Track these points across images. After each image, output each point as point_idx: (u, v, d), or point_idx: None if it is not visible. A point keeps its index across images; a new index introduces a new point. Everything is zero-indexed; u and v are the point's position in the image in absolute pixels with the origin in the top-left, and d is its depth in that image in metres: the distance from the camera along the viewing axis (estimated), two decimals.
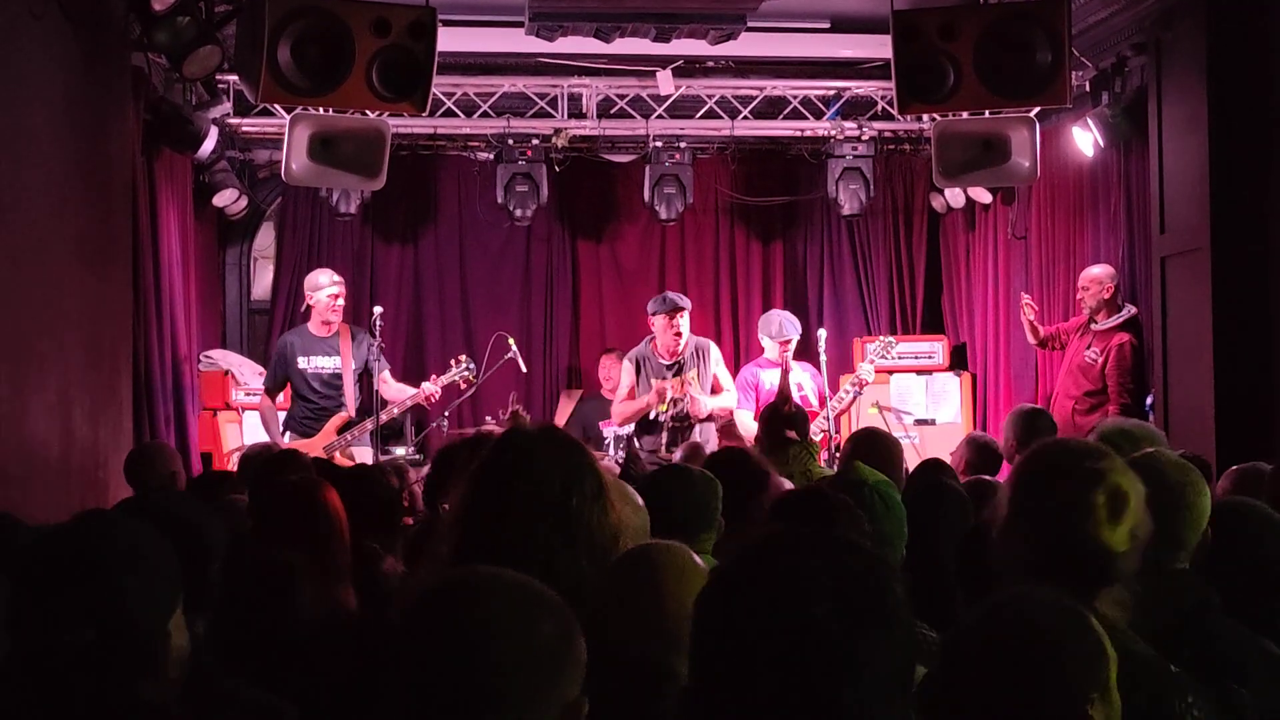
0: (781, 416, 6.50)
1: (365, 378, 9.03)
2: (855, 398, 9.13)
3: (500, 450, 3.00)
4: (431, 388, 8.80)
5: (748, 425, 9.20)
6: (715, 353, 9.28)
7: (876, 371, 10.22)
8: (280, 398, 9.09)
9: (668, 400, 8.81)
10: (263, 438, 8.81)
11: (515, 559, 2.79)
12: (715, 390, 9.14)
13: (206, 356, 10.24)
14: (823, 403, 9.35)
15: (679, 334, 8.98)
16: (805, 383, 9.36)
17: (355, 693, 3.03)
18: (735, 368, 11.63)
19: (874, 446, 5.48)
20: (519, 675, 1.94)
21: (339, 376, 8.86)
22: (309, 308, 9.20)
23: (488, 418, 9.68)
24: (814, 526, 2.40)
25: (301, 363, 8.97)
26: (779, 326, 9.44)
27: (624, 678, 2.45)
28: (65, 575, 2.44)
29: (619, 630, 2.52)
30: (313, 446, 8.23)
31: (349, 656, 3.22)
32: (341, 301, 9.11)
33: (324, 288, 9.10)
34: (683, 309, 9.03)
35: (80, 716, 2.36)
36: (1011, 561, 2.82)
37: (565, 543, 2.82)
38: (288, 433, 8.82)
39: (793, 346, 9.32)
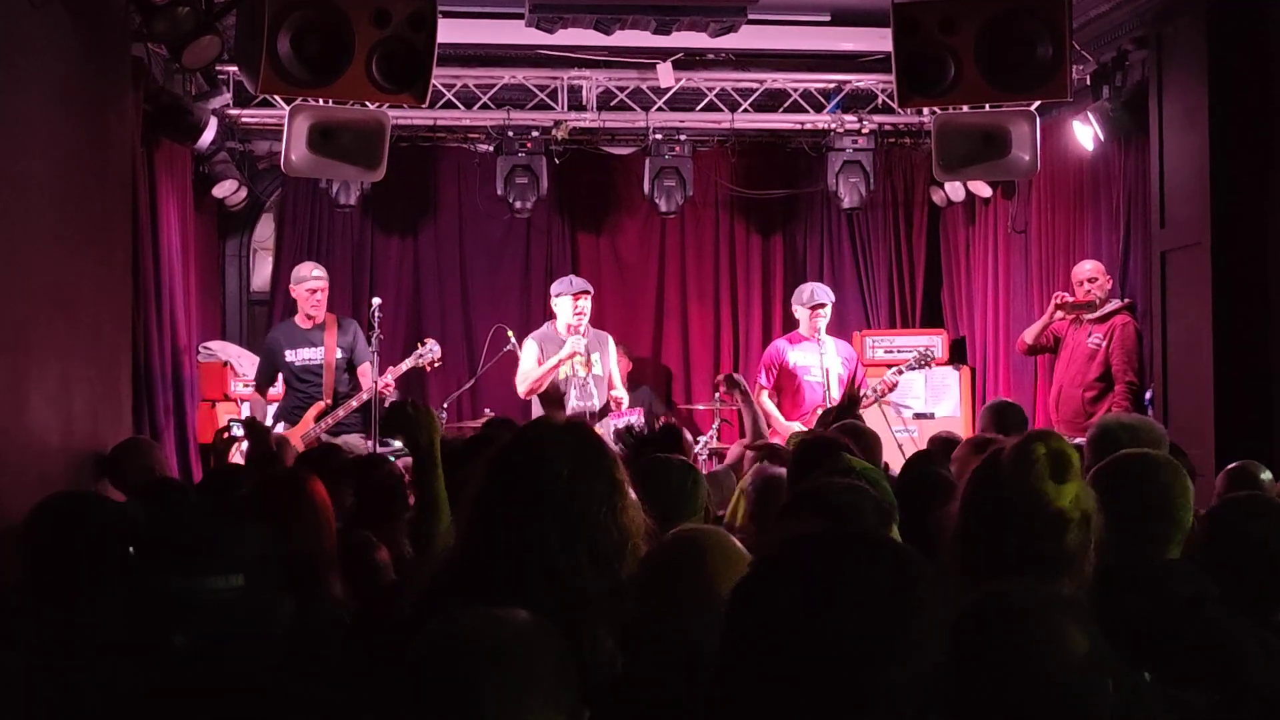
0: (844, 419, 6.42)
1: (352, 368, 9.16)
2: (875, 400, 9.11)
3: (516, 439, 2.99)
4: (383, 381, 8.90)
5: (766, 408, 9.29)
6: (612, 346, 9.54)
7: (876, 364, 10.26)
8: (278, 391, 9.21)
9: (577, 359, 9.05)
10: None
11: (514, 552, 2.78)
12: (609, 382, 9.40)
13: (205, 348, 10.24)
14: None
15: (581, 314, 9.20)
16: (834, 366, 9.39)
17: (352, 687, 3.03)
18: (734, 362, 11.71)
19: (856, 440, 5.47)
20: (515, 707, 2.04)
21: (322, 366, 8.96)
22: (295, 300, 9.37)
23: (486, 410, 9.69)
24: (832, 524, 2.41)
25: (288, 355, 9.16)
26: (810, 292, 9.60)
27: (671, 661, 2.45)
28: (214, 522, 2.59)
29: (667, 612, 2.51)
30: (293, 435, 8.40)
31: (337, 647, 3.22)
32: (320, 295, 9.24)
33: (304, 281, 9.29)
34: (588, 292, 9.31)
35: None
36: (964, 554, 2.80)
37: (565, 541, 2.78)
38: (281, 423, 8.91)
39: (825, 314, 9.42)
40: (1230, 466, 5.13)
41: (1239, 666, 2.80)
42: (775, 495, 4.67)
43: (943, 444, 6.37)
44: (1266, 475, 4.92)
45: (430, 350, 9.01)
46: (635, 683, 2.45)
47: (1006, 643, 2.10)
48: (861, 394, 9.07)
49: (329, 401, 8.89)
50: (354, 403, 8.91)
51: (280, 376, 9.26)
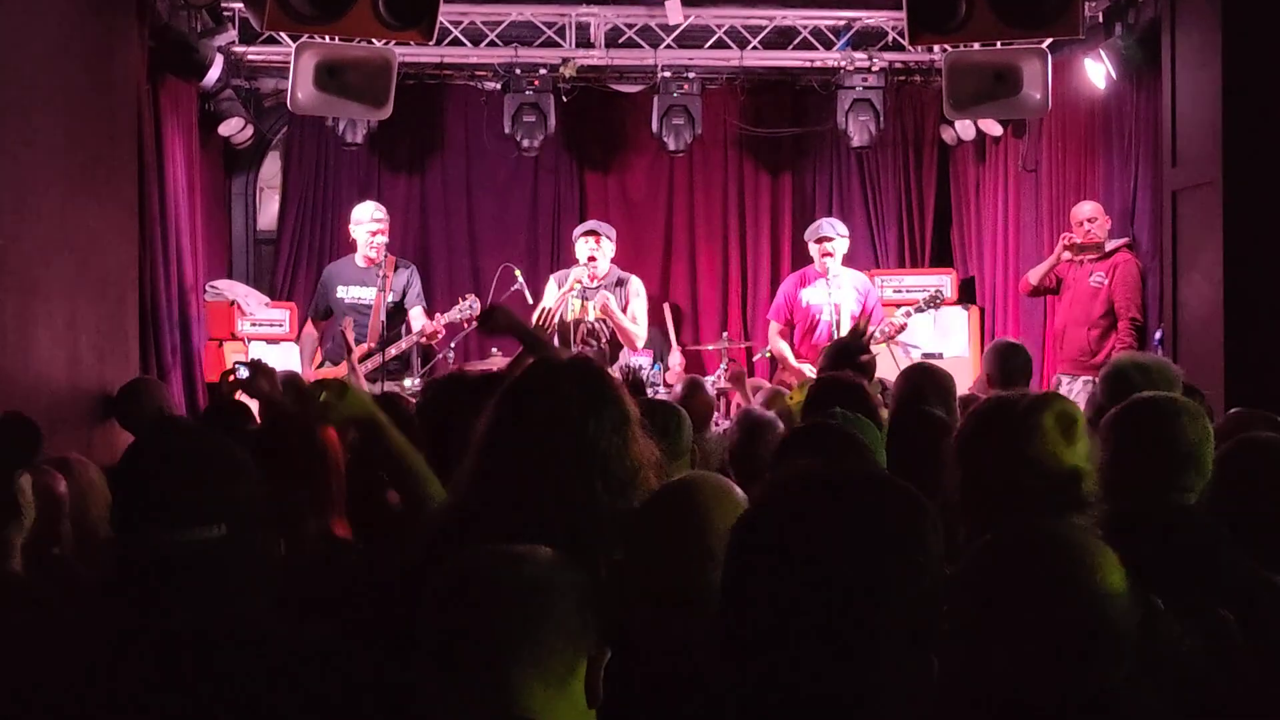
0: (848, 354, 6.40)
1: (403, 311, 9.29)
2: (883, 341, 9.02)
3: (527, 373, 3.01)
4: (433, 326, 8.90)
5: (779, 349, 9.30)
6: (636, 285, 9.53)
7: (885, 305, 10.23)
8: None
9: (578, 293, 9.10)
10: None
11: (530, 482, 2.80)
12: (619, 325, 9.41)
13: (212, 287, 10.23)
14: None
15: (592, 258, 9.21)
16: (848, 301, 9.37)
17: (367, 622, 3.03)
18: (742, 302, 11.69)
19: (929, 381, 5.49)
20: (537, 645, 2.08)
21: (371, 307, 9.00)
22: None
23: (494, 350, 9.68)
24: (832, 461, 2.44)
25: (340, 292, 9.27)
26: (815, 226, 9.61)
27: (668, 606, 2.47)
28: (203, 469, 2.54)
29: (663, 558, 2.53)
30: (336, 375, 8.46)
31: (345, 587, 3.22)
32: (381, 238, 9.28)
33: (362, 223, 9.34)
34: (598, 233, 9.31)
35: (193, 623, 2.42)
36: (971, 502, 2.83)
37: (581, 470, 2.82)
38: (326, 362, 9.02)
39: (834, 249, 9.39)
40: (1234, 412, 5.08)
41: (1251, 612, 2.80)
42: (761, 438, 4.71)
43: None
44: None
45: (470, 306, 8.99)
46: (631, 624, 2.47)
47: (1048, 569, 2.11)
48: (871, 332, 9.04)
49: (372, 345, 8.88)
50: (402, 345, 8.92)
51: (333, 314, 9.38)
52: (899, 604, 1.85)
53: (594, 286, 9.18)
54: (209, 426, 5.42)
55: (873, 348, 8.78)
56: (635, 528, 2.64)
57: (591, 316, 9.09)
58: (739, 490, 2.69)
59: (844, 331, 9.23)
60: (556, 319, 8.86)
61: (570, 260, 9.59)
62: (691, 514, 2.58)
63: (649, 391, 8.78)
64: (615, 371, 8.54)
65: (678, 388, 7.34)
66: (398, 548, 3.16)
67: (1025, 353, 6.77)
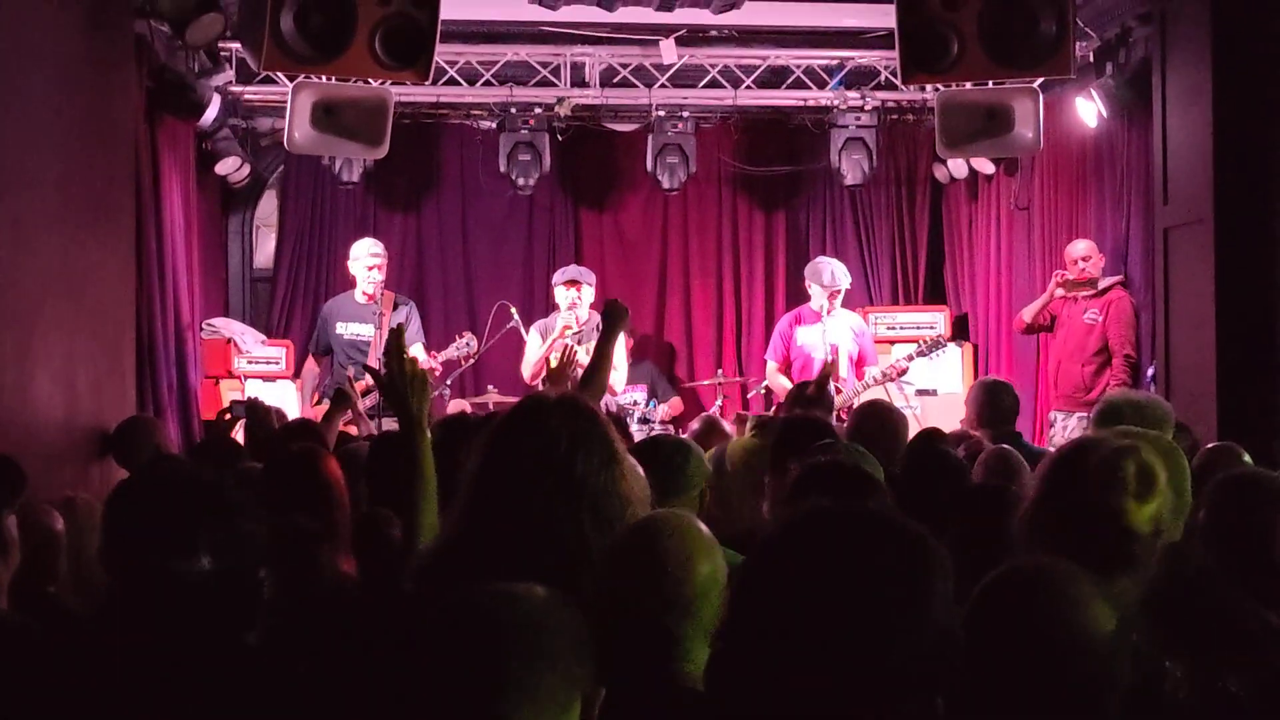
0: (805, 400, 6.41)
1: None
2: (881, 384, 9.01)
3: (515, 411, 3.03)
4: (430, 363, 8.92)
5: (778, 384, 9.32)
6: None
7: (878, 342, 10.26)
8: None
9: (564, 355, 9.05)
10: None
11: (519, 519, 2.82)
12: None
13: (209, 325, 10.24)
14: (859, 364, 9.37)
15: (574, 306, 9.31)
16: (844, 342, 9.39)
17: (362, 660, 3.05)
18: (736, 339, 11.72)
19: (878, 421, 5.49)
20: (532, 684, 2.04)
21: (370, 344, 9.04)
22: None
23: (490, 387, 9.71)
24: (846, 501, 2.45)
25: (339, 328, 9.38)
26: (831, 275, 9.57)
27: (629, 642, 2.48)
28: (190, 504, 2.55)
29: (624, 595, 2.55)
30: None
31: (351, 622, 3.24)
32: (377, 274, 9.40)
33: (360, 258, 9.47)
34: (579, 282, 9.36)
35: (185, 654, 2.42)
36: (1034, 539, 2.86)
37: (569, 507, 2.83)
38: (325, 398, 9.07)
39: (841, 298, 9.44)
40: (1211, 446, 5.07)
41: (1250, 648, 2.81)
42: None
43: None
44: (1247, 459, 4.84)
45: (467, 344, 9.06)
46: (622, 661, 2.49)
47: (1028, 609, 2.13)
48: (869, 378, 9.06)
49: (370, 383, 8.91)
50: None
51: (333, 350, 9.43)
52: (903, 646, 1.85)
53: (576, 332, 9.19)
54: (201, 463, 5.45)
55: (871, 388, 8.86)
56: (601, 567, 2.66)
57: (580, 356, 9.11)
58: (703, 529, 2.71)
59: (842, 371, 9.27)
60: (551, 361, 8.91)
61: None
62: (650, 554, 2.60)
63: (647, 428, 8.81)
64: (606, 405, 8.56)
65: (694, 425, 7.33)
66: (397, 583, 3.18)
67: (1011, 391, 6.76)
